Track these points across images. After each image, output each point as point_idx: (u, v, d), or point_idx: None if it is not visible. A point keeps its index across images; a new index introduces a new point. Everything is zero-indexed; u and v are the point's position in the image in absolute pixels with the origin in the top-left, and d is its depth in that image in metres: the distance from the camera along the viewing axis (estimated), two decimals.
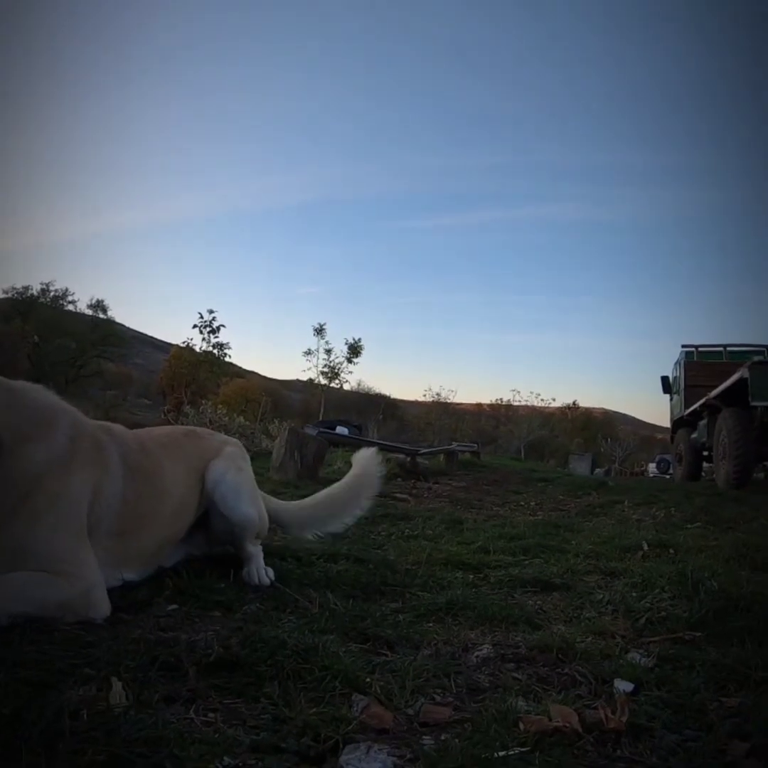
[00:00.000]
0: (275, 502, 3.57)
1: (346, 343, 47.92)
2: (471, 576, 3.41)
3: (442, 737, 1.55)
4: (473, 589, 3.06)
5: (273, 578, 2.93)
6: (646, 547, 4.18)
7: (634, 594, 3.02)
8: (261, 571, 2.94)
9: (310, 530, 3.59)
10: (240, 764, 1.37)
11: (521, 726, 1.58)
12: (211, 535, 3.17)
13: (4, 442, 2.12)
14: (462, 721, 1.65)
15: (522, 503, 7.98)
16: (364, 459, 3.84)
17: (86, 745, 1.27)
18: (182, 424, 14.39)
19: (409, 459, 11.97)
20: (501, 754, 1.42)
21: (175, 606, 2.46)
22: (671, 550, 4.12)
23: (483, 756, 1.39)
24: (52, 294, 52.89)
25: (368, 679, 1.83)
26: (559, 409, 60.62)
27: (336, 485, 3.74)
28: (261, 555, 3.10)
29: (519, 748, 1.46)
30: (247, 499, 3.11)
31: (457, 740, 1.50)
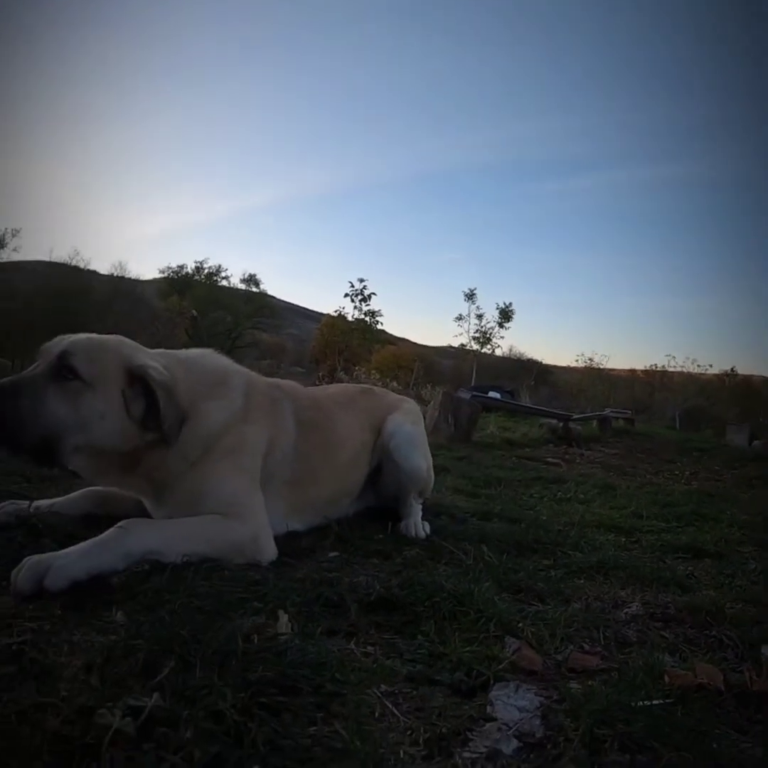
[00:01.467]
0: None
1: (497, 308, 47.50)
2: (623, 539, 3.45)
3: (589, 683, 1.63)
4: (625, 552, 3.10)
5: (429, 532, 3.07)
6: None
7: None
8: (418, 525, 3.08)
9: None
10: (396, 692, 1.52)
11: (666, 679, 1.64)
12: (379, 488, 3.33)
13: (188, 407, 2.34)
14: (609, 670, 1.73)
15: (676, 472, 7.80)
16: None
17: (256, 664, 1.44)
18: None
19: (561, 425, 11.86)
20: (645, 702, 1.49)
21: (336, 553, 2.62)
22: None
23: (628, 703, 1.47)
24: (206, 271, 55.71)
25: (520, 625, 1.94)
26: (717, 375, 57.19)
27: None
28: (420, 511, 3.24)
29: (662, 699, 1.52)
30: (420, 451, 3.27)
31: (603, 686, 1.59)
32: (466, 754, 1.27)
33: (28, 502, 2.48)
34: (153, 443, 2.29)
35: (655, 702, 1.50)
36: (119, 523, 2.06)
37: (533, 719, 1.43)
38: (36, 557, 1.84)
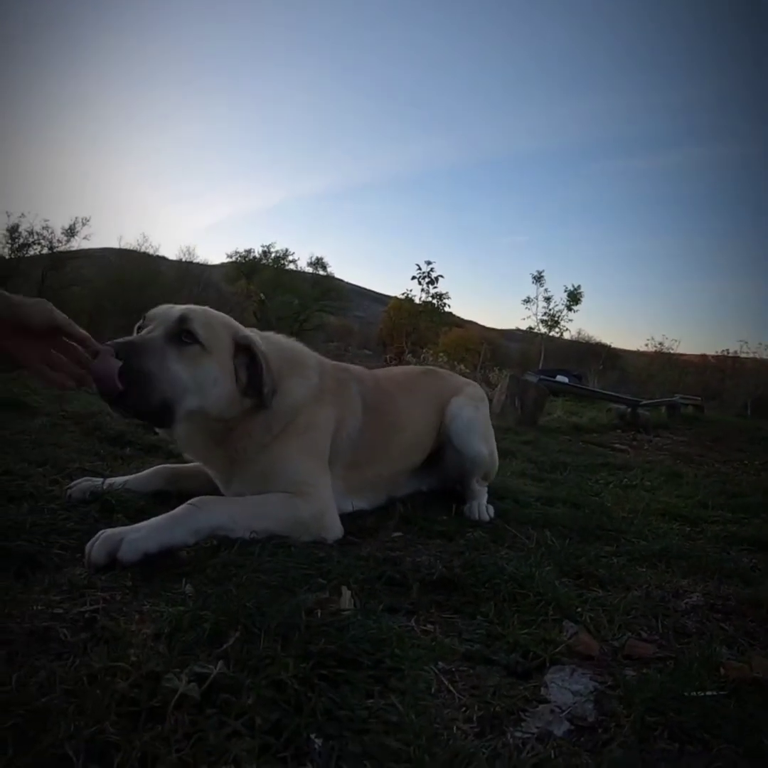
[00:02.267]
0: None
1: (566, 291, 46.76)
2: (687, 528, 3.41)
3: (644, 671, 1.63)
4: (688, 541, 3.06)
5: (493, 515, 3.09)
6: None
7: None
8: (482, 508, 3.11)
9: None
10: (453, 669, 1.55)
11: (722, 671, 1.63)
12: (443, 470, 3.37)
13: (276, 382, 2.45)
14: (665, 658, 1.73)
15: (745, 462, 7.59)
16: None
17: (318, 637, 1.48)
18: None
19: (629, 410, 11.68)
20: (698, 693, 1.48)
21: (399, 533, 2.67)
22: None
23: (681, 693, 1.47)
24: (273, 255, 56.18)
25: (579, 610, 1.95)
26: None
27: None
28: (485, 494, 3.27)
29: (716, 691, 1.52)
30: (480, 436, 3.28)
31: (658, 675, 1.59)
32: (518, 734, 1.30)
33: (101, 480, 2.58)
34: (246, 413, 2.42)
35: (708, 693, 1.50)
36: (190, 500, 2.14)
37: (586, 703, 1.45)
38: (110, 530, 1.93)
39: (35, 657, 1.34)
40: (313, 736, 1.15)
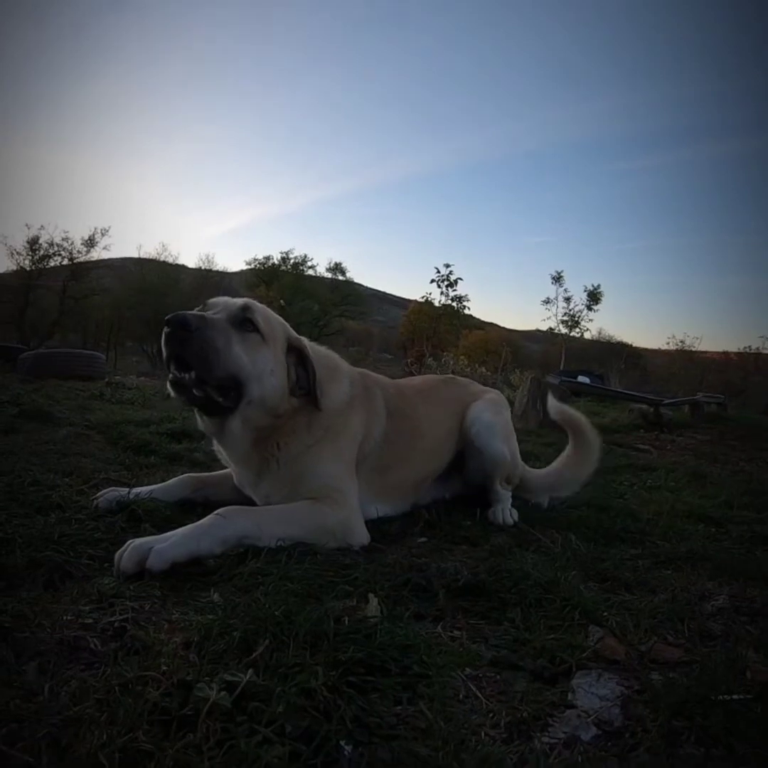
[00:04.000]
0: (526, 469, 3.64)
1: (585, 291, 46.60)
2: (712, 529, 3.37)
3: (670, 675, 1.62)
4: (714, 542, 3.03)
5: (517, 519, 3.10)
6: None
7: None
8: (506, 512, 3.12)
9: (549, 496, 3.64)
10: (480, 675, 1.56)
11: (748, 674, 1.61)
12: (465, 475, 3.38)
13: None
14: (691, 662, 1.71)
15: None
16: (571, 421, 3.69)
17: (346, 644, 1.50)
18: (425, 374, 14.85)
19: (652, 410, 11.59)
20: (724, 697, 1.47)
21: (425, 539, 2.69)
22: None
23: (707, 696, 1.46)
24: (292, 261, 56.61)
25: (605, 614, 1.95)
26: None
27: (564, 456, 3.73)
28: (509, 498, 3.28)
29: (742, 695, 1.50)
30: (500, 437, 3.28)
31: (684, 679, 1.57)
32: (545, 739, 1.30)
33: (127, 489, 2.62)
34: (290, 413, 2.50)
35: (734, 697, 1.48)
36: (217, 511, 2.17)
37: (613, 708, 1.45)
38: (139, 540, 1.97)
39: (66, 667, 1.37)
40: (342, 742, 1.17)
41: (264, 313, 2.42)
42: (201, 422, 2.51)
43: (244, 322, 2.31)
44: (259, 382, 2.33)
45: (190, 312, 2.18)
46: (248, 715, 1.18)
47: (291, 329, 2.57)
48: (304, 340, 2.58)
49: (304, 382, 2.50)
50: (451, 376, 3.86)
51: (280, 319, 2.55)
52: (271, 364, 2.36)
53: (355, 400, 2.75)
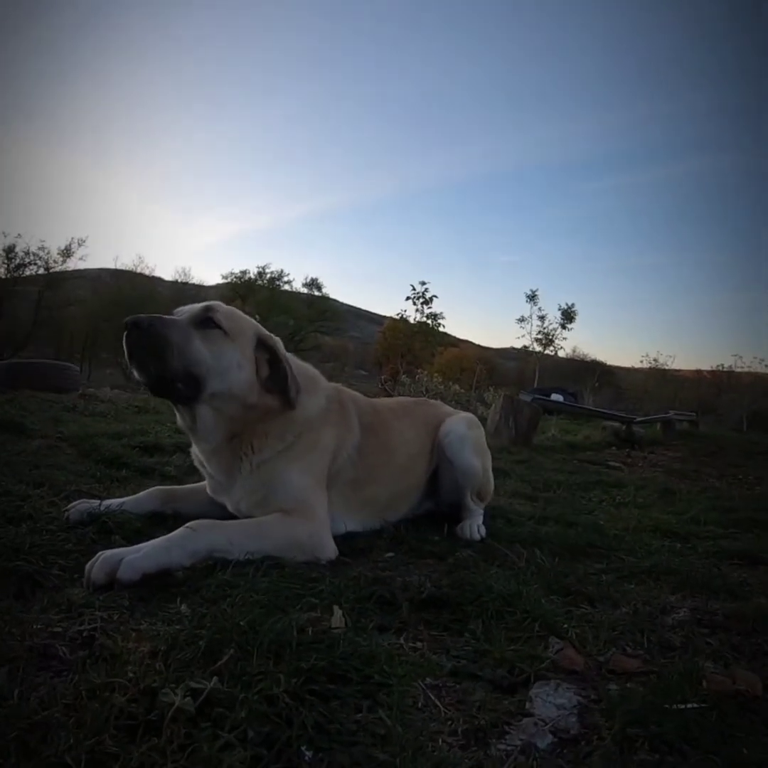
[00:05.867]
0: None
1: (560, 309, 46.99)
2: (678, 544, 3.43)
3: (628, 685, 1.67)
4: (679, 557, 3.08)
5: (484, 534, 3.11)
6: None
7: None
8: (474, 527, 3.13)
9: None
10: (440, 685, 1.60)
11: (704, 684, 1.65)
12: (439, 492, 3.42)
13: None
14: (648, 672, 1.76)
15: (740, 476, 7.64)
16: None
17: (309, 654, 1.53)
18: (399, 393, 14.88)
19: (624, 427, 11.73)
20: (679, 706, 1.52)
21: (391, 553, 2.70)
22: None
23: (663, 705, 1.51)
24: (268, 276, 56.88)
25: (566, 626, 1.99)
26: None
27: None
28: (480, 515, 3.31)
29: (698, 704, 1.54)
30: (473, 450, 3.33)
31: (641, 688, 1.63)
32: (502, 746, 1.34)
33: (98, 501, 2.63)
34: (266, 412, 2.54)
35: (689, 705, 1.53)
36: (188, 524, 2.20)
37: (570, 716, 1.49)
38: (109, 551, 1.99)
39: (36, 674, 1.40)
40: (303, 748, 1.20)
41: (228, 312, 2.52)
42: (178, 418, 2.59)
43: (206, 321, 2.41)
44: (224, 375, 2.40)
45: (147, 315, 2.29)
46: (212, 720, 1.21)
47: (263, 329, 2.62)
48: (278, 341, 2.63)
49: (278, 379, 2.54)
50: (423, 399, 3.93)
51: (250, 319, 2.63)
52: (237, 359, 2.44)
53: (329, 414, 2.78)
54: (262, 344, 2.55)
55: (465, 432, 3.35)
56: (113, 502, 2.68)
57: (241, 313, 2.61)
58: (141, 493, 2.80)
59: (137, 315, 2.25)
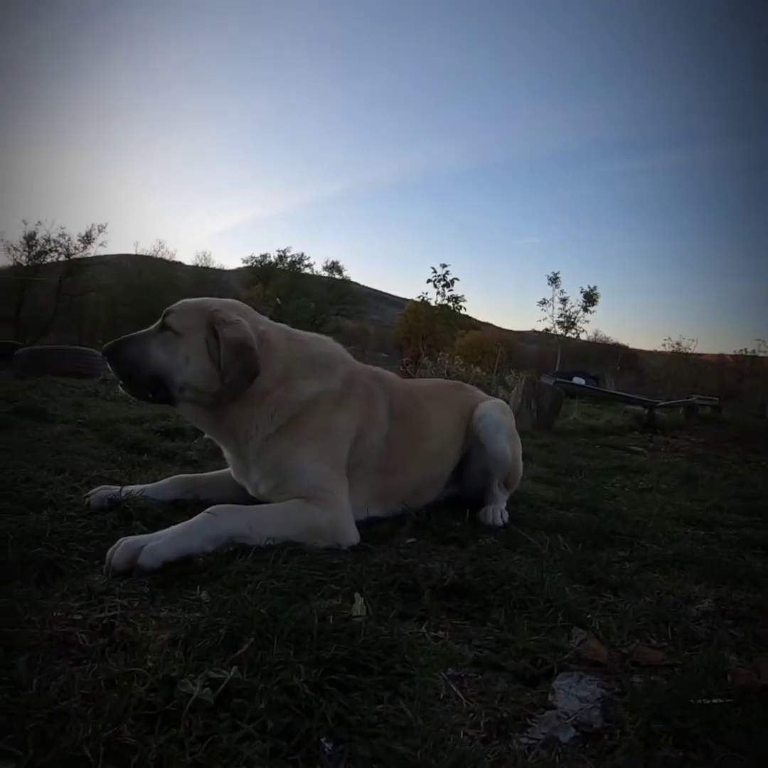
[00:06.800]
0: None
1: (582, 292, 46.73)
2: (702, 532, 3.40)
3: (651, 678, 1.64)
4: (702, 545, 3.05)
5: (507, 520, 3.10)
6: None
7: None
8: (497, 513, 3.11)
9: None
10: (462, 675, 1.58)
11: (729, 678, 1.63)
12: (466, 476, 3.40)
13: (280, 376, 2.61)
14: (673, 665, 1.73)
15: (763, 463, 7.54)
16: None
17: (330, 643, 1.52)
18: (420, 376, 14.81)
19: (646, 411, 11.63)
20: (704, 701, 1.49)
21: (413, 539, 2.69)
22: None
23: (687, 700, 1.48)
24: (289, 259, 56.84)
25: (589, 616, 1.97)
26: None
27: None
28: (504, 501, 3.29)
29: (722, 699, 1.51)
30: (505, 436, 3.31)
31: (665, 682, 1.60)
32: (524, 740, 1.33)
33: (119, 487, 2.64)
34: (235, 398, 2.54)
35: (714, 701, 1.50)
36: (209, 509, 2.20)
37: (593, 710, 1.47)
38: (130, 538, 1.99)
39: (55, 662, 1.39)
40: (323, 739, 1.19)
41: (182, 309, 2.59)
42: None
43: (163, 325, 2.53)
44: (179, 372, 2.48)
45: (114, 340, 2.59)
46: (231, 711, 1.20)
47: (220, 313, 2.54)
48: (232, 322, 2.52)
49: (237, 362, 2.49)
50: (460, 382, 3.88)
51: (205, 307, 2.59)
52: (185, 353, 2.49)
53: (349, 398, 2.74)
54: (213, 329, 2.51)
55: (500, 418, 3.33)
56: (134, 488, 2.70)
57: (197, 303, 2.64)
58: (163, 480, 2.82)
59: (107, 344, 2.58)
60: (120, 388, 2.61)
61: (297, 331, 2.87)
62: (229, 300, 2.76)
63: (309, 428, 2.59)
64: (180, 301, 2.65)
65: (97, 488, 2.62)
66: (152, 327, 2.59)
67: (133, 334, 2.59)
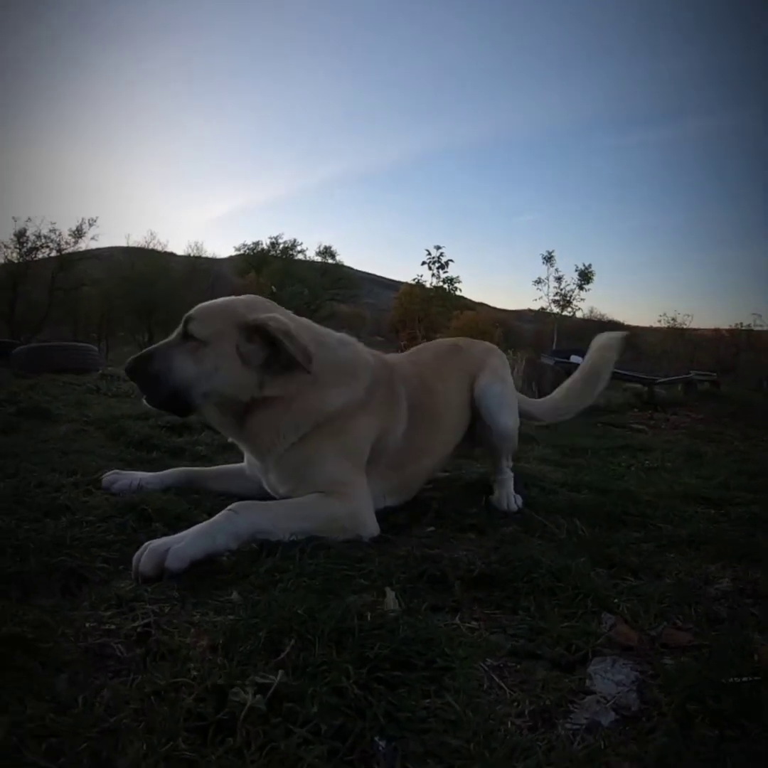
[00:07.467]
0: (526, 401, 3.82)
1: (577, 270, 46.72)
2: (712, 511, 3.41)
3: (682, 659, 1.66)
4: (714, 524, 3.07)
5: (521, 505, 3.13)
6: None
7: None
8: (510, 498, 3.14)
9: (554, 418, 3.91)
10: (501, 665, 1.60)
11: (756, 657, 1.64)
12: (473, 445, 3.42)
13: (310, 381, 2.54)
14: (700, 646, 1.75)
15: (765, 438, 7.58)
16: (602, 346, 3.91)
17: (372, 641, 1.52)
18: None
19: (646, 389, 11.66)
20: (734, 680, 1.50)
21: (432, 528, 2.71)
22: None
23: (717, 680, 1.49)
24: (281, 246, 56.66)
25: (616, 600, 1.98)
26: None
27: (574, 376, 3.91)
28: (512, 481, 3.28)
29: (751, 677, 1.52)
30: (508, 411, 3.31)
31: (695, 663, 1.61)
32: (568, 726, 1.34)
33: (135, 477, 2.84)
34: (270, 400, 2.51)
35: (744, 679, 1.51)
36: (230, 506, 2.21)
37: (629, 693, 1.49)
38: (155, 542, 2.00)
39: (95, 676, 1.38)
40: (377, 738, 1.20)
41: (204, 315, 2.50)
42: None
43: (186, 333, 2.46)
44: (206, 381, 2.42)
45: (134, 356, 2.54)
46: (283, 716, 1.21)
47: (251, 314, 2.48)
48: (272, 316, 2.47)
49: (287, 359, 2.44)
50: (455, 341, 3.71)
51: (233, 310, 2.52)
52: (213, 362, 2.42)
53: (372, 403, 2.71)
54: (252, 331, 2.45)
55: (500, 391, 3.29)
56: (146, 476, 2.89)
57: (222, 306, 2.56)
58: (163, 472, 2.99)
59: (129, 361, 2.52)
60: (144, 402, 2.54)
61: (320, 329, 2.80)
62: (250, 296, 2.72)
63: (333, 437, 2.58)
64: (199, 306, 2.55)
65: (107, 473, 2.88)
66: (173, 336, 2.51)
67: (155, 347, 2.53)
